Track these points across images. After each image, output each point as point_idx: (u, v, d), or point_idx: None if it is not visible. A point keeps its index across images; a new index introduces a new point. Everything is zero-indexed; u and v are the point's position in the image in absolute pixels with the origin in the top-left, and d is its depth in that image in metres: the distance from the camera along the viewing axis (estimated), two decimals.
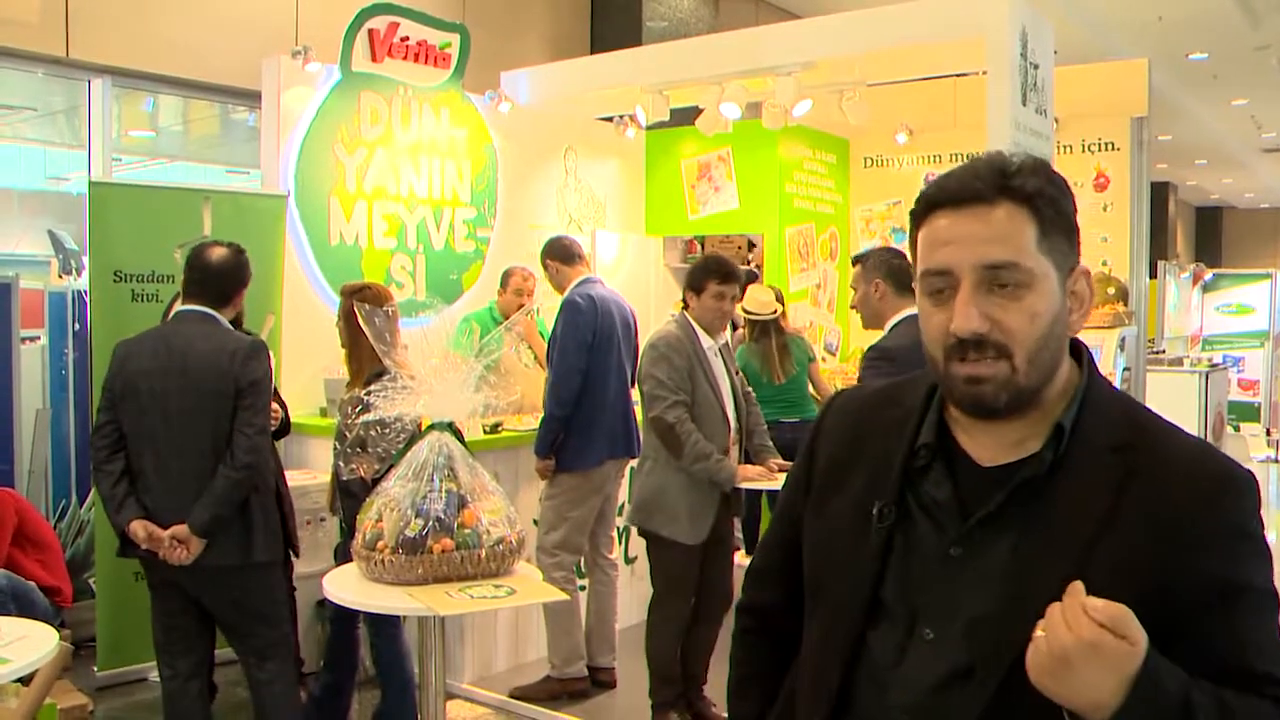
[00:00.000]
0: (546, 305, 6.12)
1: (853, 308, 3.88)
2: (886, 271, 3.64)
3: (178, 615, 3.30)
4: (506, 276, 5.71)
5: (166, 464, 3.21)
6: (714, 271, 4.01)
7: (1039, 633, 1.04)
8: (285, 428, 4.02)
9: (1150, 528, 1.11)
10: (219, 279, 3.33)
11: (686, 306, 4.10)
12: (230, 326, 3.38)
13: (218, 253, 3.36)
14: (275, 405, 3.67)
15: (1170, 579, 1.10)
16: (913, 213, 1.24)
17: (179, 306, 3.40)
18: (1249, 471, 1.17)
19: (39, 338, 5.62)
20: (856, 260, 3.92)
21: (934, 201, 1.20)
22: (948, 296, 1.17)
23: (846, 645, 1.22)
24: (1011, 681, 1.09)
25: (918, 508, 1.22)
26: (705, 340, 4.03)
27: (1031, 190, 1.16)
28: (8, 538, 4.45)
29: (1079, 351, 1.25)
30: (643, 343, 4.47)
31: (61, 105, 6.66)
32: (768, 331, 6.03)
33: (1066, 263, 1.19)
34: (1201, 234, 23.09)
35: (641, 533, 4.10)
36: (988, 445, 1.21)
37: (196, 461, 3.19)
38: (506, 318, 5.49)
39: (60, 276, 6.19)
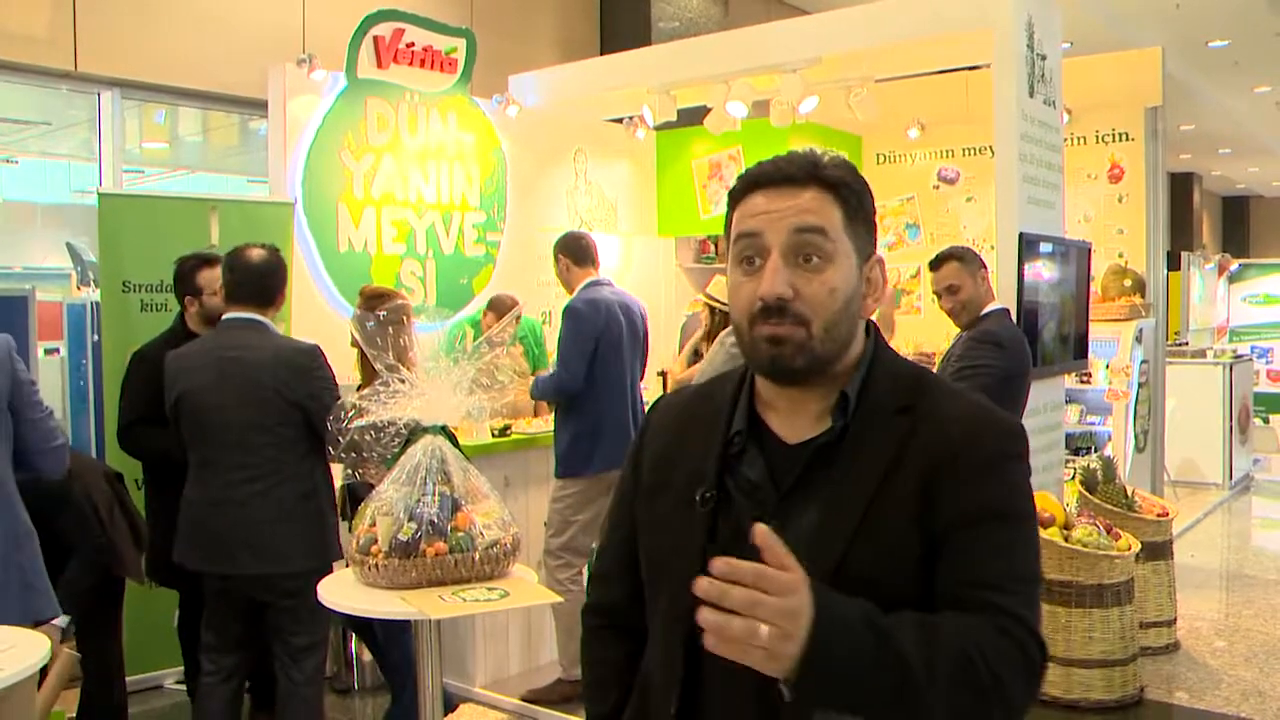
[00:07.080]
0: (539, 306, 6.12)
1: (949, 310, 3.93)
2: (981, 263, 3.91)
3: (233, 621, 3.30)
4: (488, 307, 5.59)
5: (229, 480, 3.18)
6: None
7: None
8: None
9: (923, 465, 1.23)
10: (262, 279, 3.27)
11: None
12: (279, 331, 3.34)
13: (257, 254, 3.28)
14: None
15: (935, 506, 1.22)
16: (731, 193, 1.33)
17: (226, 314, 3.31)
18: (1018, 422, 1.31)
19: (59, 350, 5.66)
20: (948, 258, 3.94)
21: (752, 182, 1.30)
22: (758, 267, 1.27)
23: (686, 627, 1.24)
24: None
25: (736, 489, 1.31)
26: None
27: (836, 180, 1.29)
28: None
29: (869, 331, 1.36)
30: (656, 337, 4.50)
31: (85, 119, 6.75)
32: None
33: (866, 249, 1.32)
34: (1228, 224, 22.76)
35: None
36: (792, 424, 1.32)
37: (258, 474, 3.16)
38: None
39: (79, 288, 6.24)
